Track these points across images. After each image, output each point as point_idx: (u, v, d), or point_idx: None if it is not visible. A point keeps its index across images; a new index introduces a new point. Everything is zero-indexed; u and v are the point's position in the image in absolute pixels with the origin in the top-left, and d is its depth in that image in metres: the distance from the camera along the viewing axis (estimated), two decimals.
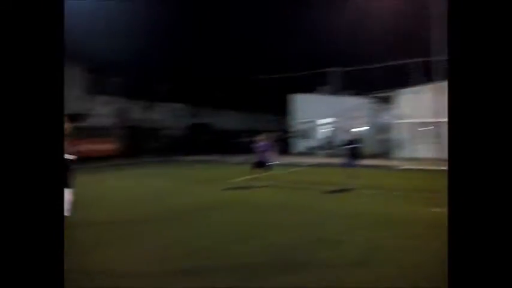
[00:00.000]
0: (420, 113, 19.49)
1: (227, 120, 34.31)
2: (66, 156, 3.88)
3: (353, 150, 11.09)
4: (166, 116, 30.01)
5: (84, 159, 19.62)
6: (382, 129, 23.99)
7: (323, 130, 26.42)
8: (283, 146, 25.88)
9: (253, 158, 11.62)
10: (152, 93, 28.73)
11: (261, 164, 11.41)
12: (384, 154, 21.47)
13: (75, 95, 27.83)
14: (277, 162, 18.97)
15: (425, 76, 20.64)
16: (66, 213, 3.90)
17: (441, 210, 5.81)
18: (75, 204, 5.49)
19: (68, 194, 3.82)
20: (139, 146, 24.98)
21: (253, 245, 5.26)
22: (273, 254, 4.88)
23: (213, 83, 34.63)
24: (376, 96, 25.06)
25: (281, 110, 30.08)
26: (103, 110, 26.46)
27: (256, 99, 35.56)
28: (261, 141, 11.61)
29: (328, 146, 24.08)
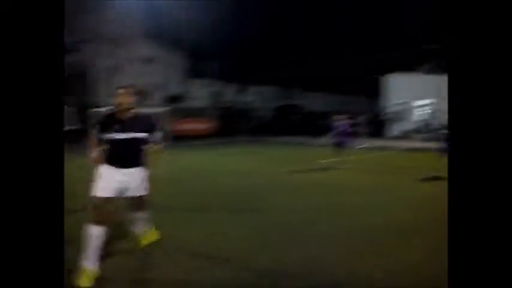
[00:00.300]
0: None
1: (317, 102, 34.05)
2: (137, 135, 3.69)
3: None
4: (258, 98, 30.89)
5: (182, 138, 21.37)
6: None
7: (420, 112, 24.73)
8: (376, 128, 24.92)
9: (333, 139, 11.35)
10: (245, 76, 29.73)
11: (339, 145, 11.14)
12: None
13: (176, 79, 30.07)
14: (366, 144, 18.46)
15: None
16: (145, 192, 3.84)
17: None
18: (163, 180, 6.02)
19: (144, 172, 3.78)
20: (232, 126, 26.21)
21: (341, 225, 5.39)
22: (362, 236, 4.94)
23: (304, 64, 34.45)
24: None
25: (375, 91, 28.83)
26: (200, 92, 28.25)
27: (349, 80, 34.57)
28: (339, 121, 11.28)
29: (425, 130, 22.55)
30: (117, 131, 3.59)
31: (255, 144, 21.16)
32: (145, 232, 4.17)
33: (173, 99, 25.73)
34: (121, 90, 3.68)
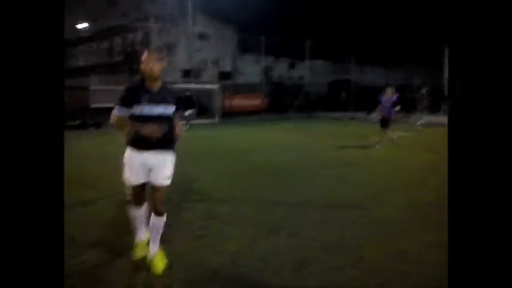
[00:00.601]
0: None
1: (372, 76, 32.54)
2: (169, 109, 3.12)
3: None
4: (310, 73, 30.19)
5: (233, 114, 21.58)
6: None
7: None
8: (439, 103, 23.35)
9: (380, 114, 10.63)
10: (296, 51, 29.12)
11: (386, 120, 10.46)
12: None
13: (228, 55, 30.23)
14: (426, 120, 17.43)
15: None
16: (166, 181, 3.19)
17: None
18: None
19: (171, 157, 3.23)
20: (283, 102, 25.99)
21: (389, 202, 5.20)
22: (410, 212, 4.78)
23: (359, 35, 32.92)
24: None
25: (437, 63, 26.87)
26: (251, 68, 28.19)
27: (407, 53, 32.54)
28: (385, 96, 10.54)
29: None
30: (147, 103, 2.99)
31: (305, 120, 20.90)
32: (154, 255, 3.23)
33: (225, 75, 25.95)
34: (152, 55, 3.02)
